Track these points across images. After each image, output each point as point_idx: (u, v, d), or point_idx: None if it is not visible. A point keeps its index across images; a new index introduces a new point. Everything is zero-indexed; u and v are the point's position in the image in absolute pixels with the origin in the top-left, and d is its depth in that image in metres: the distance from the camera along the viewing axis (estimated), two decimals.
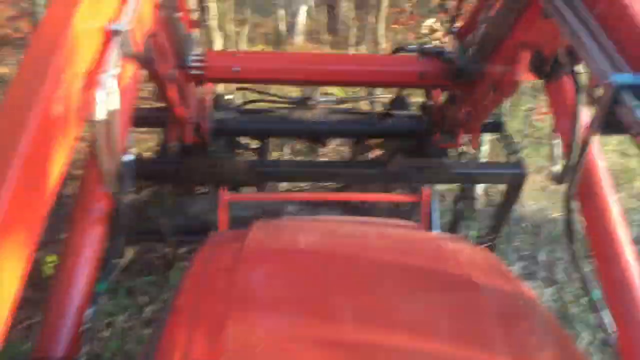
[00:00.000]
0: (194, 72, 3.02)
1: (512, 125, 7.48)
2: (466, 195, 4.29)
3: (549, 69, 2.22)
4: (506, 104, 7.10)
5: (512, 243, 5.35)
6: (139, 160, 5.28)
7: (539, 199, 6.18)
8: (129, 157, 2.07)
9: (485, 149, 6.04)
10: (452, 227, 4.40)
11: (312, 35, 14.05)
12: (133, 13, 1.89)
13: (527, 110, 7.02)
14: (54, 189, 1.46)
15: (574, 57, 1.93)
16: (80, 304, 1.72)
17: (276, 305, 1.75)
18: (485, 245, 4.44)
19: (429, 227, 3.88)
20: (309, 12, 15.26)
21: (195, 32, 3.33)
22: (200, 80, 3.25)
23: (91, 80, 1.65)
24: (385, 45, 7.79)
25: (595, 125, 1.66)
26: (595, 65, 1.68)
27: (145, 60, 2.19)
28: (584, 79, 1.94)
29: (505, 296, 1.77)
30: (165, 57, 2.61)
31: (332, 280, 1.85)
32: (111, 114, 1.68)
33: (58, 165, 1.49)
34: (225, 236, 2.45)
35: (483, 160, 6.01)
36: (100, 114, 1.61)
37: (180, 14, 2.75)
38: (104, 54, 1.73)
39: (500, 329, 1.61)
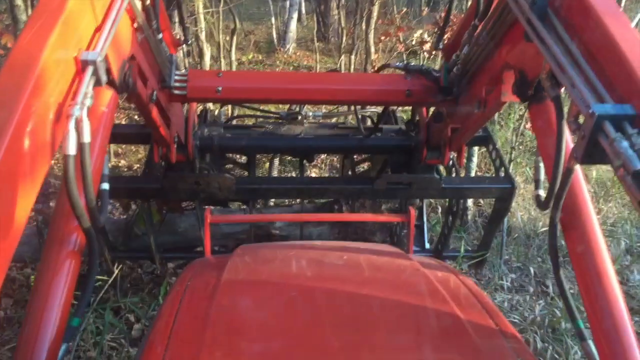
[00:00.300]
0: (176, 92, 2.99)
1: (503, 135, 7.50)
2: (456, 210, 4.26)
3: (532, 92, 2.20)
4: (496, 114, 7.14)
5: (503, 255, 5.31)
6: (123, 178, 5.29)
7: (530, 209, 6.17)
8: (104, 187, 2.04)
9: (475, 162, 6.03)
10: (443, 242, 4.37)
11: (303, 43, 14.09)
12: (107, 40, 1.86)
13: (519, 119, 7.02)
14: (22, 222, 1.42)
15: (556, 82, 1.91)
16: (53, 342, 1.67)
17: (252, 333, 1.74)
18: (475, 260, 4.43)
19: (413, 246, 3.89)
20: (300, 21, 15.31)
21: (180, 49, 3.31)
22: (183, 100, 3.22)
23: (62, 112, 1.61)
24: (375, 56, 7.79)
25: (577, 153, 1.64)
26: (577, 94, 1.65)
27: (122, 86, 2.16)
28: (566, 105, 1.91)
29: (479, 330, 1.74)
30: (145, 79, 2.58)
31: (307, 308, 1.86)
32: (83, 146, 1.65)
33: (27, 199, 1.45)
34: (207, 262, 2.42)
35: (473, 173, 6.01)
36: (70, 148, 1.58)
37: (161, 36, 2.72)
38: (76, 84, 1.70)
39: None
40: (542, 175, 2.20)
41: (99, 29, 1.89)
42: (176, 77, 2.98)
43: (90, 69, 1.72)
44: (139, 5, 2.31)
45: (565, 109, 1.83)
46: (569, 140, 1.89)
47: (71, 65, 1.70)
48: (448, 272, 2.21)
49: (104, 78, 1.79)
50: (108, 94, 2.09)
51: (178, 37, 3.24)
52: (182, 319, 1.76)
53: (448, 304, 1.82)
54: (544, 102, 2.17)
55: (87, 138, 1.64)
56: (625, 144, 1.44)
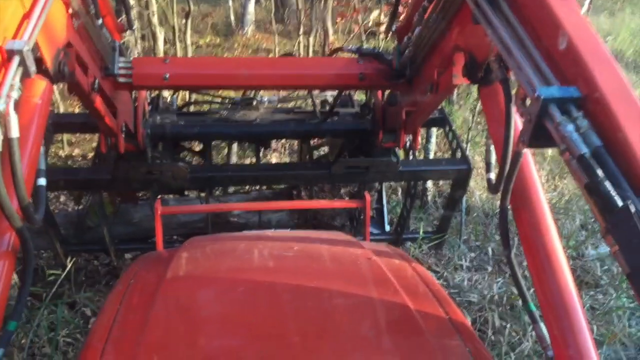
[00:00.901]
0: (121, 80, 2.88)
1: (461, 114, 7.54)
2: (414, 192, 4.27)
3: (481, 75, 2.18)
4: (454, 94, 7.18)
5: (462, 235, 5.37)
6: (71, 170, 5.14)
7: None
8: (41, 182, 1.94)
9: (433, 142, 6.05)
10: (402, 224, 4.38)
11: (262, 25, 13.88)
12: (36, 28, 1.75)
13: (477, 99, 7.06)
14: None
15: (504, 65, 1.89)
16: None
17: (191, 330, 1.70)
18: (435, 242, 4.47)
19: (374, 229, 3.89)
20: (258, 2, 15.06)
21: (132, 33, 3.19)
22: (129, 89, 3.10)
23: None
24: (332, 38, 7.72)
25: (524, 137, 1.62)
26: (523, 77, 1.64)
27: (56, 76, 2.05)
28: (514, 87, 1.90)
29: (428, 318, 1.73)
30: (86, 68, 2.46)
31: (252, 303, 1.82)
32: (11, 142, 1.56)
33: None
34: (154, 257, 2.35)
35: (432, 154, 6.04)
36: None
37: (101, 21, 2.59)
38: (0, 76, 1.59)
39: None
40: (493, 159, 2.19)
41: (27, 17, 1.78)
42: (120, 65, 2.86)
43: (16, 59, 1.61)
44: None
45: (514, 92, 1.82)
46: (517, 123, 1.87)
47: None
48: (400, 259, 2.19)
49: (32, 68, 1.68)
50: (41, 84, 1.98)
51: (122, 22, 3.11)
52: (123, 317, 1.70)
53: (398, 293, 1.81)
54: (493, 84, 2.15)
55: (14, 133, 1.55)
56: (570, 127, 1.43)
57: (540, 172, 6.64)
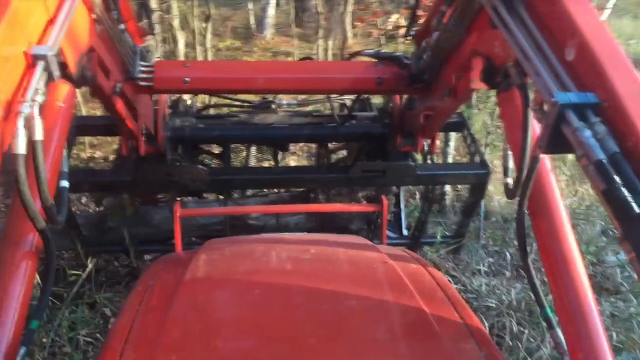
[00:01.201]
0: (142, 84, 2.92)
1: (481, 118, 7.49)
2: (432, 196, 4.27)
3: (499, 80, 2.18)
4: (473, 98, 7.14)
5: (480, 240, 5.34)
6: (93, 172, 5.21)
7: None
8: (63, 184, 1.98)
9: (452, 146, 6.02)
10: (420, 228, 4.37)
11: (281, 28, 13.94)
12: (60, 33, 1.79)
13: (496, 103, 7.00)
14: None
15: (522, 70, 1.88)
16: (11, 345, 1.63)
17: (210, 332, 1.72)
18: (452, 247, 4.45)
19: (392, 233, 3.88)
20: (278, 6, 15.14)
21: (153, 37, 3.24)
22: (149, 92, 3.15)
23: (11, 110, 1.55)
24: (352, 42, 7.74)
25: (542, 143, 1.62)
26: (541, 82, 1.64)
27: (79, 80, 2.09)
28: (532, 93, 1.89)
29: (443, 322, 1.73)
30: (108, 71, 2.51)
31: (270, 306, 1.84)
32: (35, 144, 1.59)
33: None
34: (173, 258, 2.38)
35: (451, 158, 6.01)
36: (20, 147, 1.52)
37: (123, 26, 2.64)
38: (26, 81, 1.63)
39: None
40: (511, 164, 2.18)
41: (51, 22, 1.82)
42: (142, 69, 2.91)
43: (41, 64, 1.65)
44: None
45: (532, 97, 1.81)
46: (535, 129, 1.87)
47: (21, 61, 1.64)
48: (416, 263, 2.19)
49: (56, 73, 1.72)
50: (65, 88, 2.02)
51: (144, 27, 3.16)
52: (142, 319, 1.73)
53: (414, 297, 1.81)
54: (511, 89, 2.14)
55: (39, 136, 1.58)
56: (587, 133, 1.43)
57: (561, 176, 6.58)
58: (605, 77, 1.48)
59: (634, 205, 1.27)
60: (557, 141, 1.56)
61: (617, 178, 1.33)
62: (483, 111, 7.67)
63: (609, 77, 1.48)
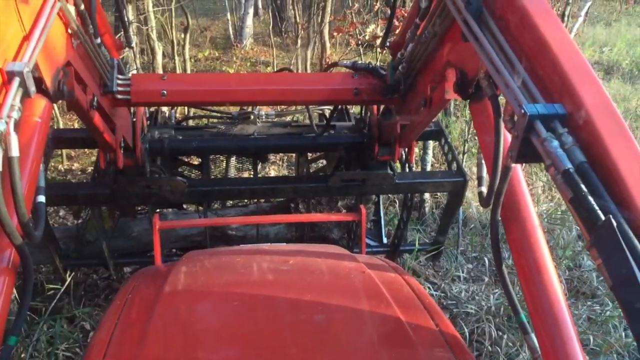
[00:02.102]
0: (120, 97, 2.92)
1: (458, 126, 7.60)
2: (411, 204, 4.31)
3: (472, 91, 2.22)
4: (451, 106, 7.24)
5: (459, 246, 5.40)
6: (71, 184, 5.16)
7: None
8: (40, 199, 1.97)
9: (430, 154, 6.09)
10: (399, 236, 4.40)
11: (260, 38, 13.99)
12: (36, 50, 1.79)
13: None
14: None
15: (493, 81, 1.93)
16: None
17: (188, 345, 1.72)
18: (431, 254, 4.49)
19: (371, 241, 3.92)
20: (256, 15, 15.19)
21: (131, 48, 3.24)
22: (127, 105, 3.15)
23: None
24: (330, 51, 7.80)
25: (512, 153, 1.66)
26: (510, 94, 1.68)
27: (56, 95, 2.10)
28: (503, 104, 1.94)
29: (420, 331, 1.76)
30: (85, 86, 2.51)
31: (247, 318, 1.85)
32: (11, 160, 1.59)
33: None
34: (152, 271, 2.39)
35: (429, 166, 6.08)
36: None
37: (99, 40, 2.64)
38: (1, 97, 1.63)
39: None
40: (485, 173, 2.23)
41: (27, 38, 1.82)
42: (119, 82, 2.91)
43: (16, 81, 1.65)
44: (72, 10, 2.24)
45: (504, 108, 1.86)
46: (507, 138, 1.91)
47: None
48: (393, 272, 2.22)
49: (32, 89, 1.72)
50: (41, 103, 2.02)
51: (121, 40, 3.17)
52: (121, 332, 1.73)
53: (391, 306, 1.84)
54: (483, 100, 2.19)
55: (14, 152, 1.58)
56: (555, 143, 1.48)
57: (537, 182, 6.69)
58: (572, 89, 1.53)
59: (600, 213, 1.31)
60: (527, 151, 1.60)
61: (584, 187, 1.37)
62: (460, 119, 7.79)
63: (576, 89, 1.52)
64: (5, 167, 1.57)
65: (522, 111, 1.55)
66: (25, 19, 1.83)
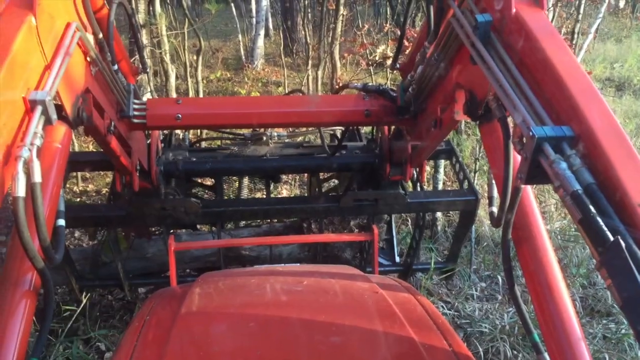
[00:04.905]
0: (135, 121, 2.99)
1: (470, 144, 7.61)
2: (423, 223, 4.32)
3: (481, 112, 2.26)
4: (462, 124, 7.26)
5: (472, 265, 5.39)
6: (88, 207, 5.22)
7: None
8: (60, 223, 2.03)
9: (442, 173, 6.11)
10: (412, 255, 4.42)
11: (271, 59, 14.15)
12: (57, 78, 1.86)
13: None
14: None
15: (502, 104, 1.96)
16: None
17: None
18: (445, 274, 4.50)
19: (384, 260, 3.93)
20: (267, 36, 15.38)
21: (142, 76, 3.32)
22: (143, 129, 3.22)
23: (11, 154, 1.61)
24: (340, 72, 7.87)
25: (522, 175, 1.69)
26: (519, 116, 1.71)
27: (76, 121, 2.16)
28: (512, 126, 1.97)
29: (433, 351, 1.78)
30: (102, 111, 2.57)
31: (263, 338, 1.87)
32: (34, 186, 1.64)
33: None
34: (169, 293, 2.42)
35: (441, 185, 6.10)
36: (20, 190, 1.57)
37: (116, 66, 2.72)
38: (24, 125, 1.69)
39: None
40: (495, 193, 2.25)
41: (48, 67, 1.89)
42: (135, 107, 2.98)
43: (39, 109, 1.71)
44: (91, 39, 2.32)
45: (513, 129, 1.89)
46: (517, 159, 1.94)
47: (20, 106, 1.70)
48: (406, 292, 2.24)
49: (54, 117, 1.78)
50: (61, 129, 2.08)
51: (136, 65, 3.25)
52: (140, 354, 1.76)
53: (404, 326, 1.86)
54: (492, 121, 2.22)
55: (37, 178, 1.63)
56: (563, 165, 1.50)
57: (550, 200, 6.67)
58: (579, 112, 1.56)
59: (608, 233, 1.34)
60: (536, 172, 1.63)
61: (592, 208, 1.40)
62: (472, 137, 7.81)
63: (583, 111, 1.55)
64: (28, 194, 1.62)
65: (531, 133, 1.58)
66: (46, 49, 1.90)
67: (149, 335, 1.91)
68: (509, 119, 1.96)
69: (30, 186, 1.62)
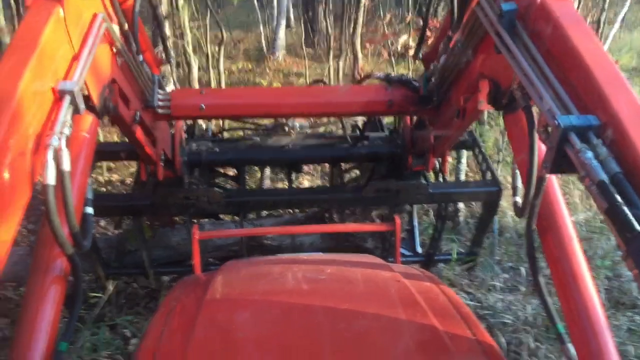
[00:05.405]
0: (160, 111, 3.03)
1: (492, 135, 7.54)
2: (445, 214, 4.31)
3: (506, 102, 2.24)
4: (485, 114, 7.19)
5: (494, 256, 5.35)
6: (113, 196, 5.30)
7: None
8: (88, 210, 2.07)
9: (464, 164, 6.06)
10: (434, 245, 4.41)
11: (292, 49, 14.14)
12: (84, 69, 1.89)
13: None
14: (3, 252, 1.46)
15: (526, 93, 1.95)
16: None
17: (234, 351, 1.78)
18: (467, 265, 4.48)
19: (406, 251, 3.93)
20: (289, 27, 15.36)
21: (166, 66, 3.36)
22: (167, 119, 3.26)
23: (40, 143, 1.65)
24: (362, 62, 7.84)
25: (547, 164, 1.68)
26: (544, 106, 1.70)
27: (102, 111, 2.20)
28: (537, 114, 1.95)
29: (456, 340, 1.78)
30: (128, 101, 2.61)
31: (287, 325, 1.90)
32: (63, 175, 1.68)
33: (7, 230, 1.48)
34: (194, 280, 2.46)
35: (463, 175, 6.06)
36: (50, 178, 1.61)
37: (141, 57, 2.75)
38: (53, 114, 1.73)
39: None
40: (519, 183, 2.24)
41: (76, 58, 1.92)
42: (159, 97, 3.02)
43: (67, 99, 1.75)
44: (117, 30, 2.35)
45: (537, 119, 1.87)
46: (541, 149, 1.92)
47: (49, 96, 1.74)
48: (428, 281, 2.25)
49: (82, 106, 1.82)
50: (88, 119, 2.12)
51: (160, 55, 3.28)
52: (167, 340, 1.80)
53: (427, 315, 1.86)
54: (517, 111, 2.20)
55: (66, 167, 1.67)
56: (589, 154, 1.49)
57: (575, 191, 6.58)
58: (605, 100, 1.54)
59: (635, 223, 1.32)
60: (561, 162, 1.61)
61: (618, 197, 1.38)
62: (494, 128, 7.73)
63: (609, 100, 1.54)
64: (58, 181, 1.66)
65: (556, 122, 1.57)
66: (74, 40, 1.94)
67: (175, 322, 1.94)
68: (534, 108, 1.95)
69: (59, 174, 1.66)
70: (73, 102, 1.78)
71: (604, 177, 1.42)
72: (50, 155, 1.62)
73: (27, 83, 1.60)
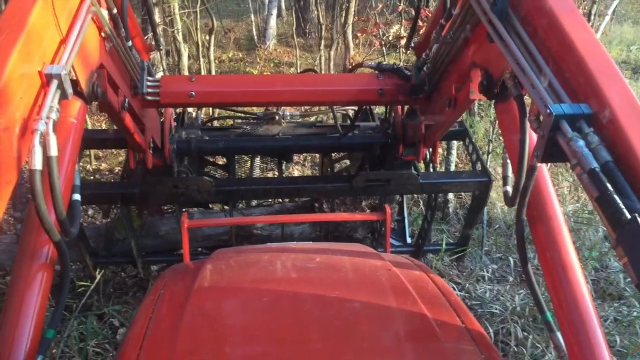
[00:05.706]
0: (149, 98, 3.00)
1: (483, 126, 7.56)
2: (435, 204, 4.31)
3: (497, 91, 2.24)
4: (475, 106, 7.20)
5: (483, 247, 5.38)
6: (101, 184, 5.26)
7: None
8: (76, 197, 2.05)
9: (454, 154, 6.07)
10: (423, 236, 4.42)
11: (283, 39, 14.07)
12: (72, 53, 1.86)
13: None
14: None
15: (518, 81, 1.94)
16: (27, 354, 1.69)
17: (222, 339, 1.77)
18: (456, 255, 4.49)
19: (395, 241, 3.94)
20: (280, 16, 15.28)
21: (158, 50, 3.33)
22: (156, 106, 3.23)
23: (27, 128, 1.62)
24: (353, 52, 7.82)
25: (538, 152, 1.68)
26: (536, 94, 1.69)
27: (90, 96, 2.17)
28: (528, 104, 1.95)
29: (446, 328, 1.79)
30: (116, 87, 2.58)
31: (276, 313, 1.89)
32: (50, 160, 1.66)
33: None
34: (182, 268, 2.44)
35: (453, 166, 6.07)
36: (36, 163, 1.58)
37: (130, 43, 2.72)
38: (41, 98, 1.70)
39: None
40: (510, 172, 2.24)
41: (64, 41, 1.89)
42: (148, 84, 2.98)
43: (54, 83, 1.72)
44: (105, 14, 2.31)
45: (529, 108, 1.87)
46: (532, 138, 1.92)
47: (36, 80, 1.71)
48: (419, 270, 2.25)
49: (69, 91, 1.79)
50: (76, 104, 2.09)
51: (150, 42, 3.24)
52: (155, 328, 1.78)
53: (417, 303, 1.87)
54: (508, 100, 2.20)
55: (53, 152, 1.64)
56: (581, 142, 1.48)
57: (563, 183, 6.63)
58: (597, 89, 1.54)
59: (626, 212, 1.32)
60: (552, 150, 1.61)
61: (609, 186, 1.38)
62: (485, 119, 7.75)
63: (601, 88, 1.53)
64: (44, 167, 1.63)
65: (548, 111, 1.56)
66: (61, 23, 1.90)
67: (163, 310, 1.93)
68: (526, 97, 1.94)
69: (46, 160, 1.64)
70: (60, 87, 1.75)
71: (595, 165, 1.42)
72: (37, 140, 1.59)
73: (13, 66, 1.57)
